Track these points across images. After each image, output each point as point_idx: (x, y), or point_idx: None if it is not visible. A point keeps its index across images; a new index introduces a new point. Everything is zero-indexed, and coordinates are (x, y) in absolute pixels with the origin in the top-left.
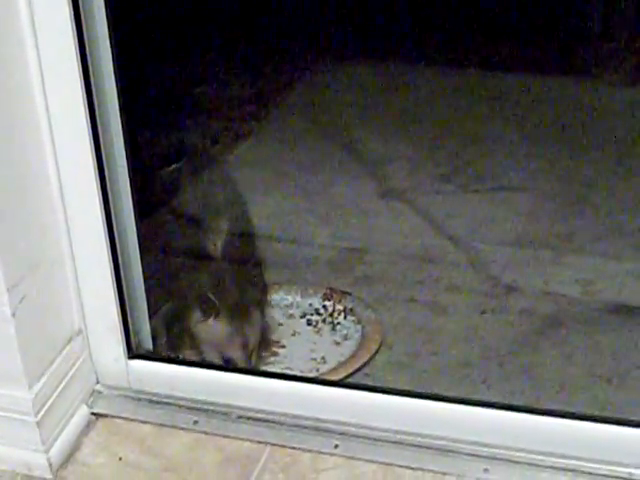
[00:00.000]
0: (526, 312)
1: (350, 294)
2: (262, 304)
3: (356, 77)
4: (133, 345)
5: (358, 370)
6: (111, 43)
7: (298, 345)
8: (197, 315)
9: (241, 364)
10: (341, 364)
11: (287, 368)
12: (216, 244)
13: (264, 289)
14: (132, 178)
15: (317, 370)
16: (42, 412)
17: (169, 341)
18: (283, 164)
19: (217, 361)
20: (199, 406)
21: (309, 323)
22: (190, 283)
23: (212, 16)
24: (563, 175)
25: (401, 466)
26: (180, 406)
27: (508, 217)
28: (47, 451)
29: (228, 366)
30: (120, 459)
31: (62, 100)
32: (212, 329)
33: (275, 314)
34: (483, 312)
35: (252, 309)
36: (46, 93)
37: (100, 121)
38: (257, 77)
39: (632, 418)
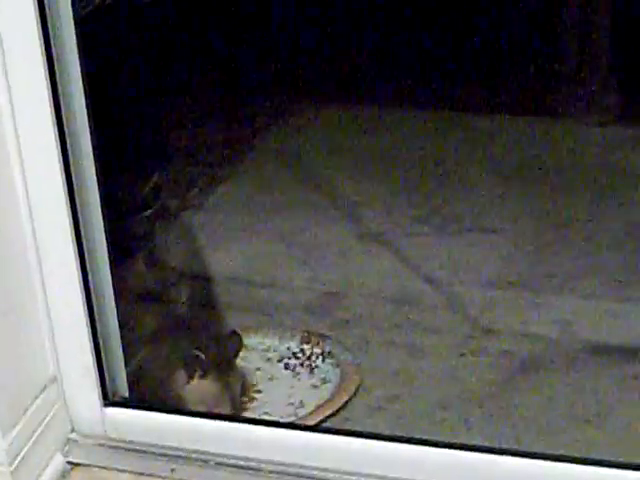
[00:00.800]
0: (505, 354)
1: (328, 337)
2: (239, 352)
3: (331, 121)
4: (109, 392)
5: (336, 413)
6: (85, 90)
7: (276, 389)
8: (182, 376)
9: None
10: (319, 407)
11: (265, 413)
12: (182, 291)
13: (239, 336)
14: (107, 224)
15: (295, 415)
16: (16, 461)
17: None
18: (259, 208)
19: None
20: (177, 453)
21: (287, 367)
22: (166, 333)
23: (186, 61)
24: (539, 216)
25: None
26: (157, 454)
27: (485, 259)
28: None
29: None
30: None
31: (35, 148)
32: (200, 389)
33: (252, 358)
34: (462, 354)
35: (233, 360)
36: (19, 137)
37: (74, 167)
38: (232, 121)
39: (612, 459)
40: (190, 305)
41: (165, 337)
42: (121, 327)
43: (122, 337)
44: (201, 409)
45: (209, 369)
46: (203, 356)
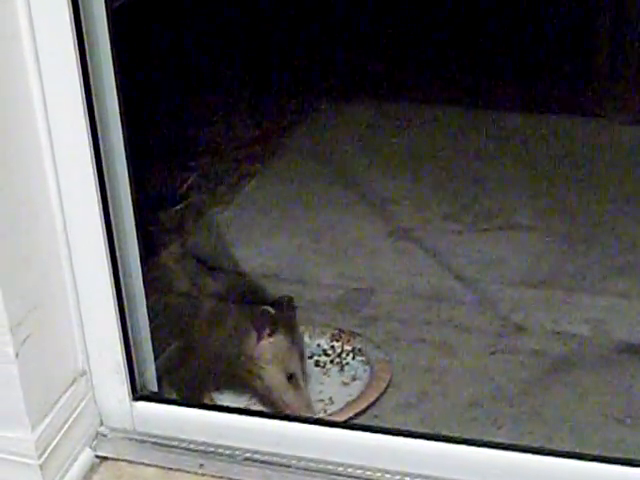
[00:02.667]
0: (536, 352)
1: (358, 334)
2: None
3: (361, 117)
4: (138, 386)
5: (366, 410)
6: (117, 85)
7: None
8: (253, 337)
9: (301, 381)
10: (349, 404)
11: None
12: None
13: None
14: (137, 219)
15: (325, 411)
16: (45, 455)
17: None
18: (289, 205)
19: (280, 382)
20: (205, 448)
21: (317, 364)
22: (195, 328)
23: (217, 57)
24: (571, 214)
25: None
26: (185, 448)
27: (517, 256)
28: None
29: (291, 383)
30: None
31: (67, 140)
32: (271, 347)
33: None
34: (492, 352)
35: (294, 317)
36: (51, 133)
37: (105, 161)
38: (262, 118)
39: None
40: (219, 301)
41: (195, 333)
42: (150, 321)
43: (151, 331)
44: (272, 368)
45: (277, 326)
46: (272, 311)
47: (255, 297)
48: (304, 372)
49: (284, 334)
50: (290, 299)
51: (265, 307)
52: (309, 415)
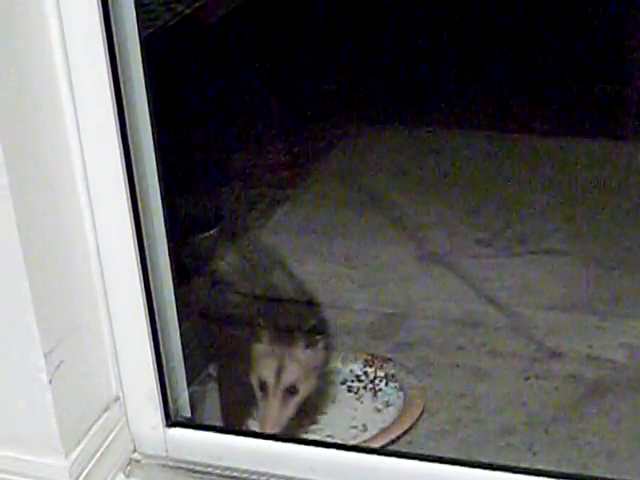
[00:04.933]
0: (571, 377)
1: (391, 360)
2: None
3: (393, 141)
4: (171, 413)
5: (400, 437)
6: (150, 110)
7: (338, 412)
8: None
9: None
10: (383, 431)
11: (327, 436)
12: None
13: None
14: (170, 244)
15: (357, 438)
16: None
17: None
18: (321, 229)
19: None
20: (238, 475)
21: (350, 390)
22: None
23: (248, 82)
24: (605, 238)
25: None
26: (219, 475)
27: (550, 281)
28: None
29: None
30: None
31: (101, 166)
32: (255, 350)
33: None
34: (527, 378)
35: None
36: (85, 161)
37: (139, 187)
38: (293, 143)
39: None
40: (252, 326)
41: (228, 358)
42: (184, 348)
43: (185, 358)
44: (251, 373)
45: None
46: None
47: (291, 322)
48: (279, 385)
49: (263, 341)
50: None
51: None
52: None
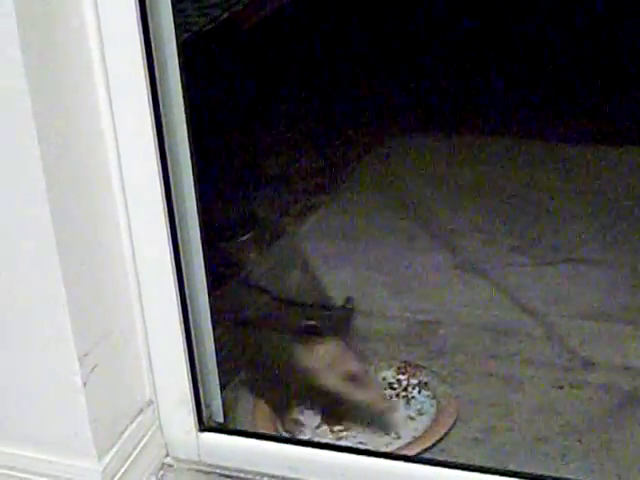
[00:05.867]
0: (605, 387)
1: (424, 368)
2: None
3: (427, 148)
4: (204, 417)
5: (433, 446)
6: (186, 115)
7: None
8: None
9: (365, 377)
10: (416, 439)
11: (360, 443)
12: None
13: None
14: (205, 249)
15: (390, 446)
16: None
17: None
18: (354, 236)
19: (342, 385)
20: None
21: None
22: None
23: (282, 89)
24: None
25: None
26: None
27: (585, 290)
28: None
29: (354, 383)
30: None
31: (137, 172)
32: (326, 352)
33: None
34: (560, 387)
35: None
36: (121, 163)
37: (175, 193)
38: (327, 149)
39: None
40: (285, 332)
41: (261, 363)
42: (217, 352)
43: (218, 363)
44: (331, 375)
45: (324, 333)
46: (315, 323)
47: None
48: (365, 368)
49: (333, 338)
50: (346, 299)
51: (309, 323)
52: (384, 406)
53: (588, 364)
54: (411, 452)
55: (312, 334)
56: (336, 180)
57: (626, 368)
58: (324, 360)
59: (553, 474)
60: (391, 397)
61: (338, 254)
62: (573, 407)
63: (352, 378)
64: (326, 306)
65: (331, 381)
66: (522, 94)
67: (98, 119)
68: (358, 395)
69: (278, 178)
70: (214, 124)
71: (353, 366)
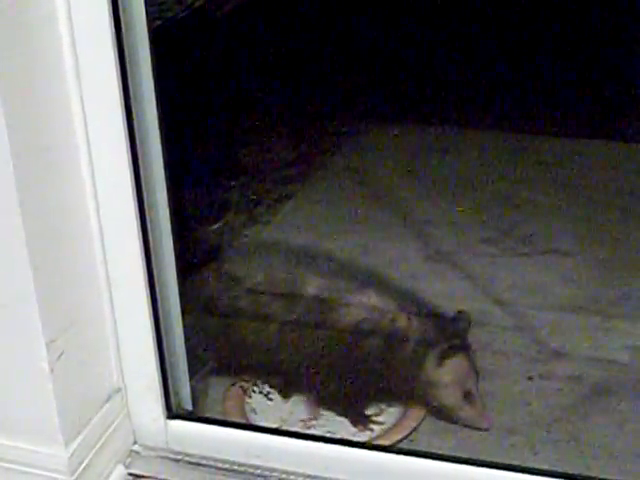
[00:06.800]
0: (574, 378)
1: None
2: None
3: (400, 139)
4: (173, 405)
5: (404, 438)
6: (157, 103)
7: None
8: (433, 360)
9: (477, 395)
10: (386, 431)
11: (329, 432)
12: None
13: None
14: (175, 237)
15: (357, 436)
16: (78, 471)
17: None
18: (326, 226)
19: (457, 401)
20: (239, 468)
21: None
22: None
23: (257, 78)
24: (612, 240)
25: None
26: (219, 468)
27: (556, 281)
28: None
29: (466, 400)
30: None
31: (107, 158)
32: (452, 369)
33: None
34: (530, 377)
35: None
36: (91, 150)
37: (145, 181)
38: (301, 139)
39: None
40: (253, 320)
41: (229, 351)
42: (187, 341)
43: (187, 351)
44: (450, 389)
45: (455, 347)
46: (448, 337)
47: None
48: (477, 387)
49: (462, 354)
50: (468, 315)
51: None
52: (483, 426)
53: (558, 355)
54: (384, 442)
55: (455, 351)
56: (308, 171)
57: (595, 359)
58: (449, 376)
59: (522, 464)
60: None
61: (311, 243)
62: (542, 398)
63: (468, 396)
64: (437, 316)
65: (451, 399)
66: (497, 86)
67: (68, 106)
68: (468, 414)
69: (251, 168)
70: (186, 112)
71: (472, 385)
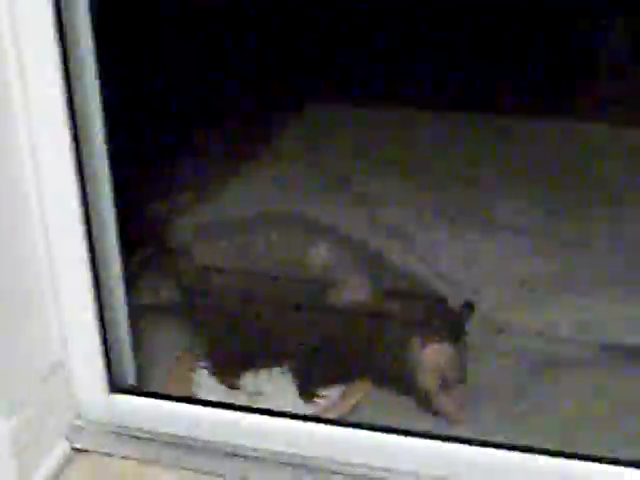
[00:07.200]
0: (521, 353)
1: None
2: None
3: (352, 118)
4: (116, 379)
5: (350, 411)
6: (99, 79)
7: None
8: (417, 341)
9: (457, 386)
10: (332, 403)
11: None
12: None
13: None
14: (118, 211)
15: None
16: (19, 445)
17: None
18: (274, 204)
19: (433, 387)
20: (183, 442)
21: None
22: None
23: (203, 56)
24: (562, 217)
25: None
26: (163, 442)
27: (503, 257)
28: None
29: (442, 389)
30: None
31: (46, 130)
32: (437, 353)
33: None
34: (474, 352)
35: (464, 326)
36: (31, 125)
37: (86, 158)
38: (248, 117)
39: (625, 458)
40: (203, 295)
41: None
42: (130, 315)
43: (131, 324)
44: (429, 373)
45: (446, 333)
46: (438, 322)
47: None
48: (460, 378)
49: (450, 341)
50: (472, 305)
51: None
52: (457, 419)
53: (503, 330)
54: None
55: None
56: (259, 148)
57: (540, 333)
58: (434, 359)
59: (467, 436)
60: None
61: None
62: (486, 372)
63: (446, 385)
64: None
65: (429, 382)
66: (451, 63)
67: (8, 87)
68: (443, 403)
69: (197, 146)
70: (131, 91)
71: (454, 374)
